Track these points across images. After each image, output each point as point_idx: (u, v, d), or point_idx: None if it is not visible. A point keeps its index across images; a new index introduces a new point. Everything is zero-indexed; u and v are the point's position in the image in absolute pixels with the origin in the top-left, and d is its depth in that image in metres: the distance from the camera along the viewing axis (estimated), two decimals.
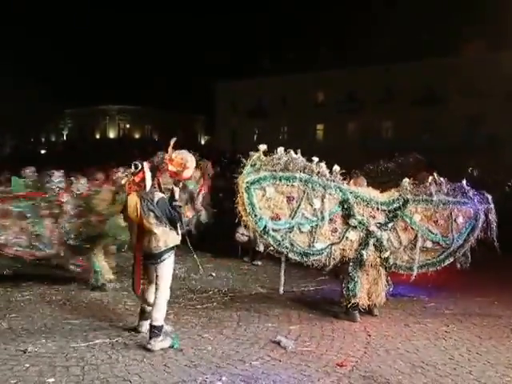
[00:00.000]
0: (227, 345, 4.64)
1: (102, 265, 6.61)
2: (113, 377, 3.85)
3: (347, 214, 5.41)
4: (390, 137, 37.55)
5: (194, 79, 56.74)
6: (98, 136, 52.72)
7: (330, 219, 5.35)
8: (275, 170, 5.12)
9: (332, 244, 5.39)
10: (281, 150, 5.20)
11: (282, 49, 40.78)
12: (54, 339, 4.66)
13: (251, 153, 5.12)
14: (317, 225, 5.28)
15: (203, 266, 7.77)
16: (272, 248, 5.24)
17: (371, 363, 4.27)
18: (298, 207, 5.18)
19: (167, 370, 4.00)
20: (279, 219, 5.13)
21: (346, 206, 5.40)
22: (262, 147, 5.09)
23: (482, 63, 31.24)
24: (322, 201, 5.29)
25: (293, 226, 5.19)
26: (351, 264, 5.49)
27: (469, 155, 27.39)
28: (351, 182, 5.75)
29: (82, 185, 6.64)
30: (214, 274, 7.91)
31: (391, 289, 5.82)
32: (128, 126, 54.28)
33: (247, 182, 4.98)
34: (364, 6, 39.66)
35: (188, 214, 7.06)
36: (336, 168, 5.47)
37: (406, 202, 5.65)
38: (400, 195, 5.67)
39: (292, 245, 5.21)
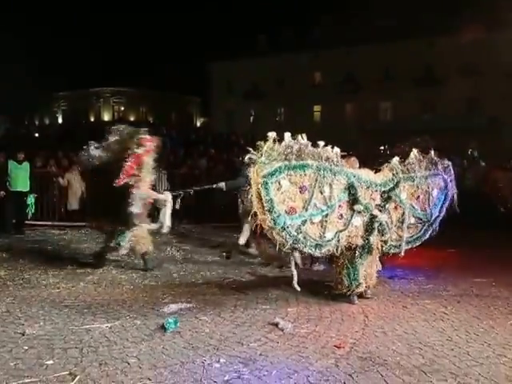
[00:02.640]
0: (225, 327, 4.64)
1: None
2: (111, 359, 3.85)
3: (353, 200, 5.18)
4: (389, 118, 37.34)
5: (190, 60, 56.07)
6: (92, 119, 52.31)
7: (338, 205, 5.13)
8: (289, 160, 4.69)
9: (339, 231, 5.11)
10: (288, 136, 4.76)
11: (278, 29, 40.12)
12: (52, 322, 4.66)
13: (261, 143, 4.63)
14: (327, 214, 4.98)
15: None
16: (287, 245, 4.77)
17: (369, 344, 4.27)
18: (310, 197, 4.83)
19: (165, 352, 4.01)
20: (295, 213, 4.75)
21: (351, 192, 5.16)
22: (272, 134, 4.63)
23: (483, 43, 30.94)
24: (331, 187, 5.00)
25: (306, 219, 4.84)
26: (358, 251, 5.30)
27: (469, 136, 27.26)
28: (343, 162, 5.47)
29: None
30: (209, 259, 7.92)
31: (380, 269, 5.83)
32: (123, 108, 53.81)
33: (264, 176, 4.51)
34: None
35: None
36: (337, 151, 5.16)
37: (398, 182, 5.58)
38: (393, 175, 5.59)
39: (305, 238, 4.84)
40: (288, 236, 4.68)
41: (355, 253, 5.31)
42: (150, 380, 3.51)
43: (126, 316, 4.87)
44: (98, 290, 5.89)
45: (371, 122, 35.85)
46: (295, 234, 4.73)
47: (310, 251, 4.93)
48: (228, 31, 47.92)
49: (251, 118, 42.18)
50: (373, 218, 5.29)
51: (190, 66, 50.47)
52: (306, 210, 4.82)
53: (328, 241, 5.01)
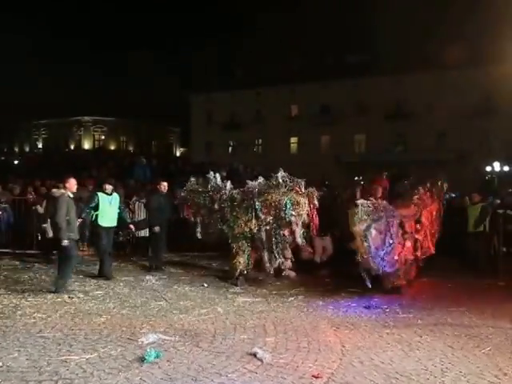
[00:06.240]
0: (203, 357, 4.62)
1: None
2: None
3: (403, 232, 7.56)
4: (363, 150, 38.47)
5: (170, 91, 56.57)
6: (72, 147, 52.04)
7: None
8: (372, 215, 7.08)
9: (400, 253, 7.42)
10: (367, 203, 7.18)
11: (256, 64, 41.11)
12: (27, 353, 4.56)
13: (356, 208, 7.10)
14: (394, 244, 7.28)
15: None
16: (380, 269, 7.19)
17: (346, 374, 4.31)
18: (385, 236, 7.16)
19: None
20: (380, 248, 7.10)
21: (402, 226, 7.51)
22: (361, 202, 7.17)
23: (452, 80, 32.49)
24: (393, 227, 7.28)
25: (385, 251, 7.17)
26: (410, 261, 7.83)
27: (438, 168, 28.34)
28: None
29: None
30: (187, 288, 7.87)
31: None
32: (103, 137, 53.77)
33: (364, 230, 6.98)
34: (337, 21, 40.58)
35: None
36: (386, 203, 7.42)
37: (421, 213, 8.11)
38: (417, 209, 8.03)
39: (387, 262, 7.19)
40: (379, 263, 7.11)
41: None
42: None
43: (104, 346, 4.81)
44: (74, 320, 5.79)
45: (346, 154, 36.83)
46: (381, 261, 7.15)
47: (389, 270, 7.29)
48: (207, 64, 48.74)
49: (229, 148, 42.67)
50: (416, 240, 7.95)
51: (170, 96, 50.93)
52: (385, 244, 7.18)
53: (397, 261, 7.38)
